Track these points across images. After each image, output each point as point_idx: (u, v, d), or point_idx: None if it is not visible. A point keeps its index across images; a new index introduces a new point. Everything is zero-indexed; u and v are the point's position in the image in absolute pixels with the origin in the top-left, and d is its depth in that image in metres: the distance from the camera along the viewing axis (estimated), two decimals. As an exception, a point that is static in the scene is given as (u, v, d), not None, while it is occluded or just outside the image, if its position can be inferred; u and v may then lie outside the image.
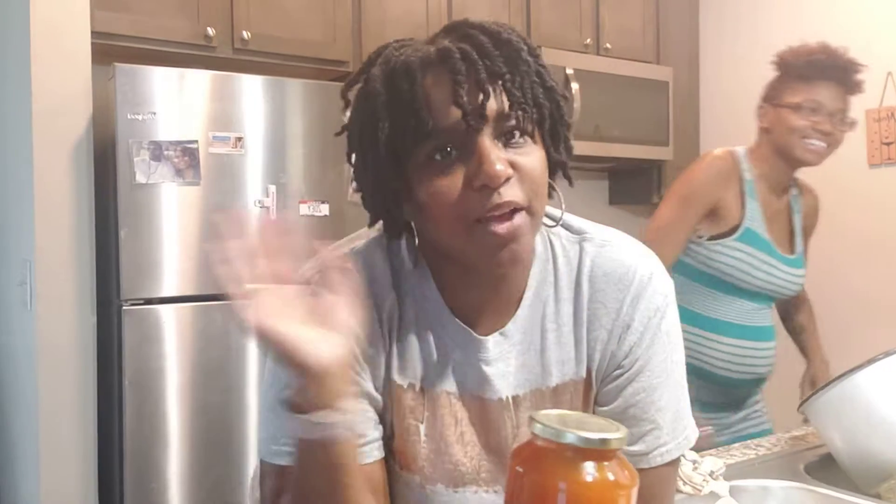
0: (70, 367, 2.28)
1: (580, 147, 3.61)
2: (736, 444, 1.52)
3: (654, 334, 0.86)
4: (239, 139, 2.37)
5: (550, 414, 0.64)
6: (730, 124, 3.89)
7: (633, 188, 3.98)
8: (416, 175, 0.77)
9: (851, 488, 1.26)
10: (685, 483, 1.22)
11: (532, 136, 0.78)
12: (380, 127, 0.77)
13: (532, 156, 0.77)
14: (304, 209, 2.48)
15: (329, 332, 0.70)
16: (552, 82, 0.80)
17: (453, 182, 0.75)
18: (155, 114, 2.25)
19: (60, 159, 2.26)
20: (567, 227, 0.90)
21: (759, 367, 1.84)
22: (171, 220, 2.28)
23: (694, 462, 1.26)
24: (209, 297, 2.32)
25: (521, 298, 0.87)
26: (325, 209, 2.50)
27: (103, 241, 2.34)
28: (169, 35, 2.50)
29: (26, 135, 2.27)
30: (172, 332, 2.29)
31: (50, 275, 2.25)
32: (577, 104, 3.29)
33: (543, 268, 0.88)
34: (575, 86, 3.29)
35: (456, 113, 0.74)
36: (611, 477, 0.60)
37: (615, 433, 0.61)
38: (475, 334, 0.86)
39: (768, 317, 1.89)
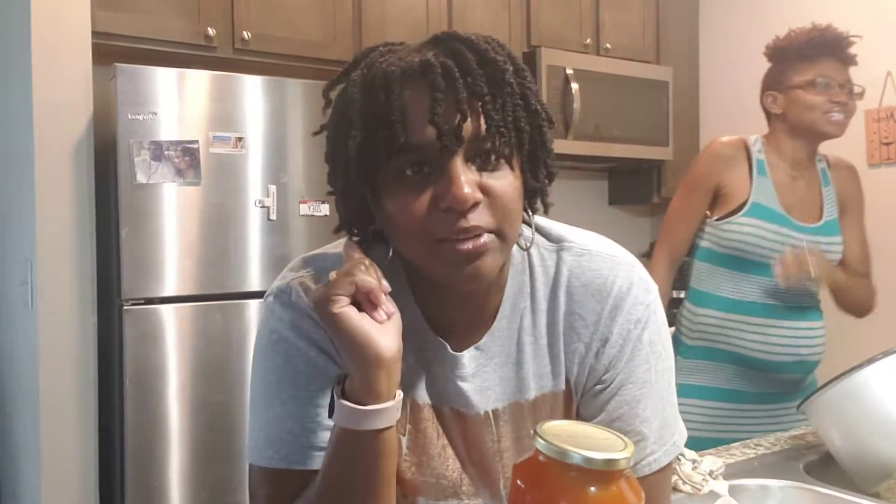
0: (71, 366, 2.28)
1: (580, 147, 3.65)
2: (735, 444, 1.52)
3: (635, 347, 0.84)
4: (239, 139, 2.37)
5: (556, 426, 0.62)
6: (729, 124, 3.89)
7: (632, 188, 3.98)
8: (385, 187, 0.76)
9: (851, 488, 1.26)
10: (685, 482, 1.22)
11: (509, 160, 0.76)
12: (352, 134, 0.75)
13: (505, 180, 0.76)
14: (304, 209, 2.48)
15: (385, 323, 0.74)
16: (537, 105, 0.78)
17: (421, 199, 0.74)
18: (155, 114, 2.25)
19: (61, 159, 2.27)
20: (546, 235, 0.89)
21: (802, 347, 1.81)
22: (172, 219, 2.28)
23: (693, 461, 1.27)
24: (210, 296, 2.33)
25: (497, 311, 0.85)
26: (325, 209, 2.50)
27: (104, 240, 2.35)
28: (169, 35, 2.51)
29: (27, 135, 2.27)
30: (173, 331, 2.29)
31: (51, 274, 2.26)
32: (576, 104, 3.29)
33: (520, 279, 0.86)
34: (575, 86, 3.30)
35: (431, 131, 0.72)
36: (615, 497, 0.59)
37: (621, 452, 0.59)
38: (451, 350, 0.85)
39: (810, 295, 1.85)
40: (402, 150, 0.73)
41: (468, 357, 0.85)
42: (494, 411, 0.86)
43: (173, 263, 2.29)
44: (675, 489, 1.22)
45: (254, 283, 2.40)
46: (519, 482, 0.62)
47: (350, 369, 0.73)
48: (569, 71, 3.31)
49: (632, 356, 0.84)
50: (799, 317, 1.82)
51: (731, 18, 3.84)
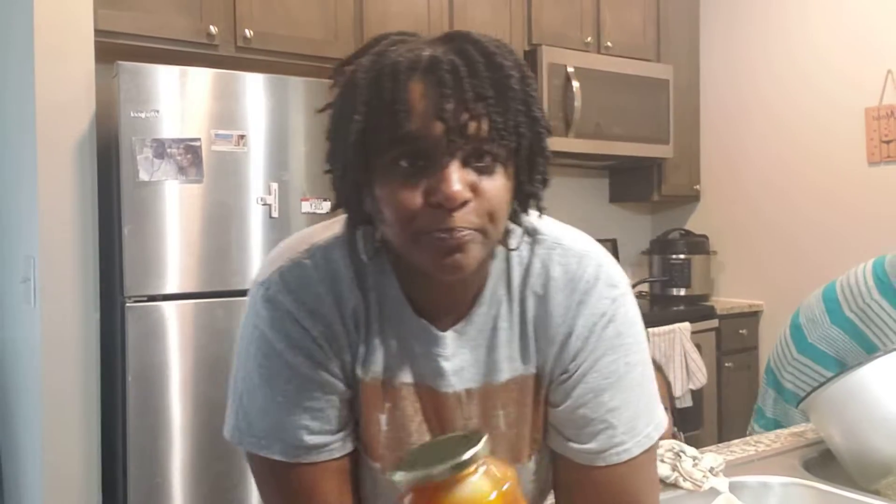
0: (74, 363, 2.29)
1: (581, 145, 3.65)
2: (736, 441, 1.52)
3: (599, 338, 0.87)
4: (241, 137, 2.38)
5: (408, 459, 0.68)
6: (730, 122, 3.90)
7: (633, 186, 3.99)
8: (378, 173, 0.77)
9: (851, 485, 1.26)
10: (685, 479, 1.23)
11: (503, 163, 0.78)
12: (355, 119, 0.76)
13: (497, 182, 0.77)
14: (306, 206, 2.49)
15: None
16: (538, 113, 0.80)
17: (413, 191, 0.75)
18: (158, 111, 2.25)
19: (64, 157, 2.27)
20: (521, 225, 0.92)
21: None
22: (174, 217, 2.29)
23: (694, 458, 1.27)
24: (212, 293, 2.34)
25: (477, 296, 0.88)
26: (326, 206, 2.50)
27: (107, 238, 2.35)
28: (172, 33, 2.51)
29: (30, 133, 2.28)
30: (175, 328, 2.29)
31: (53, 272, 2.26)
32: (577, 102, 3.30)
33: (500, 267, 0.89)
34: (575, 84, 3.30)
35: (437, 126, 0.74)
36: (475, 491, 0.64)
37: (448, 460, 0.64)
38: (434, 330, 0.87)
39: None
40: (401, 141, 0.74)
41: (450, 338, 0.88)
42: (468, 391, 0.89)
43: (175, 260, 2.30)
44: (676, 486, 1.23)
45: (256, 281, 2.40)
46: None
47: None
48: (570, 69, 3.31)
49: (596, 347, 0.87)
50: None
51: (732, 16, 3.84)
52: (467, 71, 0.75)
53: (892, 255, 1.77)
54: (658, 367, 1.63)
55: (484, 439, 0.64)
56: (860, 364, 1.27)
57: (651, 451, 0.90)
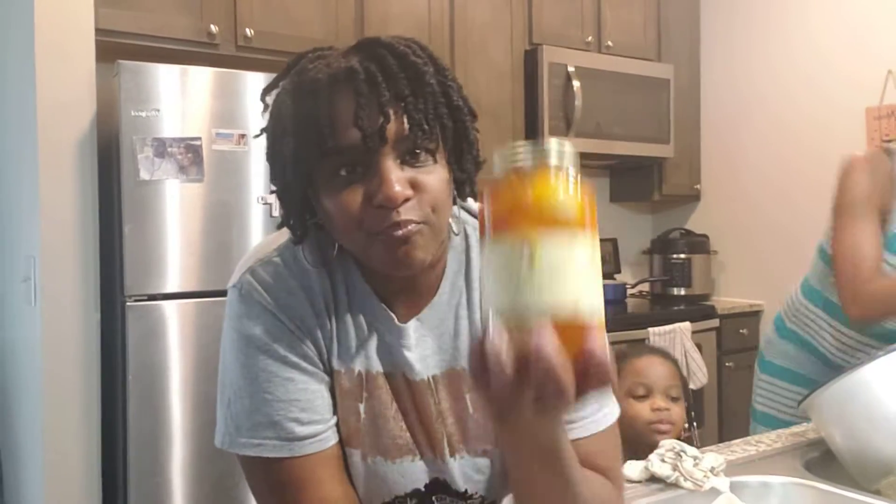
0: (74, 363, 2.29)
1: (581, 144, 3.66)
2: (737, 441, 1.52)
3: None
4: (242, 136, 2.38)
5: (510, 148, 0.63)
6: (730, 122, 3.90)
7: (634, 185, 3.99)
8: (321, 186, 0.81)
9: (852, 485, 1.26)
10: (686, 479, 1.23)
11: (436, 155, 0.81)
12: (285, 141, 0.81)
13: (435, 174, 0.81)
14: (307, 206, 2.48)
15: None
16: (459, 101, 0.83)
17: (355, 197, 0.79)
18: (159, 111, 2.25)
19: (65, 156, 2.27)
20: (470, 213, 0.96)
21: None
22: (175, 216, 2.29)
23: (695, 458, 1.27)
24: (212, 293, 2.34)
25: (437, 286, 0.92)
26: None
27: (107, 237, 2.35)
28: (172, 32, 2.51)
29: (31, 132, 2.28)
30: (176, 327, 2.30)
31: (54, 271, 2.26)
32: (578, 102, 3.30)
33: (459, 259, 0.93)
34: (576, 83, 3.30)
35: (356, 133, 0.77)
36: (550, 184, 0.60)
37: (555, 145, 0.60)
38: (396, 321, 0.91)
39: None
40: (332, 153, 0.78)
41: (412, 328, 0.91)
42: (433, 377, 0.92)
43: (176, 260, 2.30)
44: (677, 485, 1.23)
45: (256, 280, 2.40)
46: (488, 200, 0.62)
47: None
48: (570, 68, 3.31)
49: None
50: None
51: (732, 16, 3.84)
52: (382, 75, 0.78)
53: (812, 270, 1.88)
54: (675, 363, 1.70)
55: (568, 147, 0.61)
56: (861, 364, 1.27)
57: (605, 436, 0.91)
